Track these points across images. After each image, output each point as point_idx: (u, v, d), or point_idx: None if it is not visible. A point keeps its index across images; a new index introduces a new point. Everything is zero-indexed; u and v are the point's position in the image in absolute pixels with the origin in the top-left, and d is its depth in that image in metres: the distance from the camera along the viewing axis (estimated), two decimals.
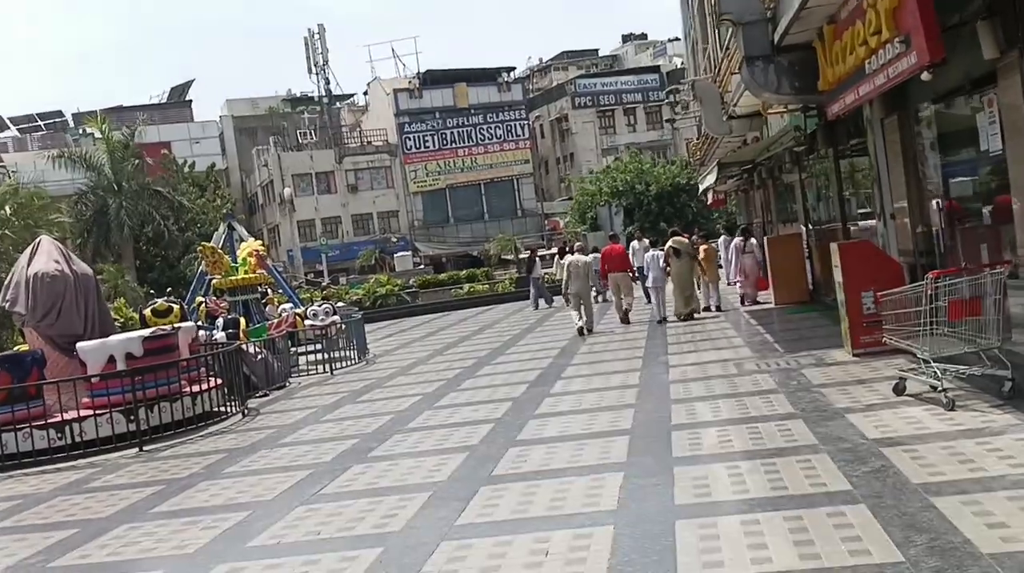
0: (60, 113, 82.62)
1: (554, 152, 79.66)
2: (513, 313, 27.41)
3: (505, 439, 8.78)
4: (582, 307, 17.66)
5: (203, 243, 19.61)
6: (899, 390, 8.30)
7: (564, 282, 17.69)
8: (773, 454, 6.89)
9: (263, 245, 20.28)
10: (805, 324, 14.77)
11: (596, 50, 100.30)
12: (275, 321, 18.36)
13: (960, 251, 9.57)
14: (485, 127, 71.28)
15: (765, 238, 19.32)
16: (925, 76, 7.20)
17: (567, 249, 31.16)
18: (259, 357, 15.28)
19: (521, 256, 50.19)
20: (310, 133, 62.82)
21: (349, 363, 17.72)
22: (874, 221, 12.66)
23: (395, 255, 55.38)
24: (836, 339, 12.19)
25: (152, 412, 11.48)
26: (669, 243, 18.14)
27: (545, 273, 28.69)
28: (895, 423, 7.32)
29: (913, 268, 10.83)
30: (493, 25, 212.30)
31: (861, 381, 9.31)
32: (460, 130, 70.80)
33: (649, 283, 18.81)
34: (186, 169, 55.76)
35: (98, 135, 47.33)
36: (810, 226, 18.15)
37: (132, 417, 11.20)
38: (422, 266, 57.09)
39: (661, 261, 18.09)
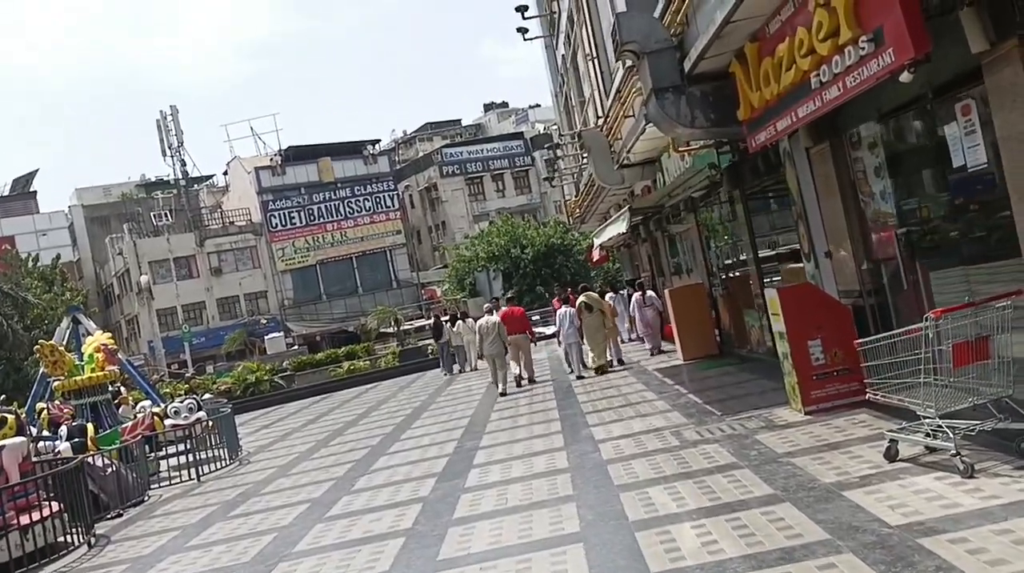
0: None
1: (425, 221, 78.44)
2: (400, 389, 25.44)
3: (425, 560, 6.96)
4: (496, 369, 17.94)
5: (41, 341, 16.98)
6: (892, 455, 6.97)
7: (479, 344, 18.10)
8: (783, 559, 5.36)
9: (111, 338, 17.77)
10: (727, 380, 13.53)
11: (459, 120, 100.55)
12: (129, 424, 15.89)
13: (923, 287, 8.45)
14: (353, 200, 69.60)
15: (666, 290, 18.21)
16: (905, 77, 6.01)
17: (447, 317, 29.84)
18: (109, 470, 12.88)
19: (405, 327, 48.30)
20: (166, 215, 59.40)
21: (219, 465, 15.42)
22: (799, 263, 11.58)
23: (266, 337, 52.43)
24: (774, 395, 10.97)
25: None
26: (581, 298, 18.32)
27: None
28: (912, 501, 5.93)
29: (861, 310, 9.70)
30: (354, 100, 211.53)
31: (833, 445, 7.95)
32: (327, 204, 68.84)
33: (562, 339, 18.63)
34: (30, 263, 51.47)
35: None
36: (714, 275, 17.14)
37: None
38: (296, 346, 54.34)
39: (573, 318, 17.98)
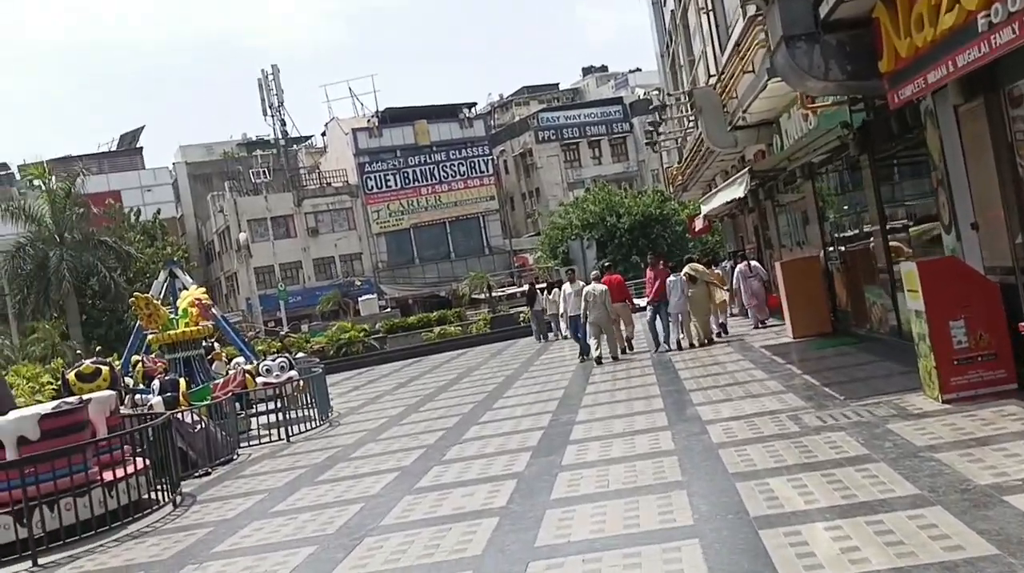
0: (5, 166, 79.20)
1: (519, 187, 77.77)
2: (491, 356, 25.00)
3: (521, 545, 6.35)
4: (602, 336, 17.63)
5: (136, 294, 17.00)
6: None
7: (582, 312, 17.49)
8: None
9: (206, 293, 17.70)
10: (846, 361, 12.53)
11: (557, 84, 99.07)
12: (221, 380, 15.77)
13: None
14: (448, 164, 69.32)
15: (777, 263, 17.15)
16: None
17: (542, 284, 29.46)
18: (198, 427, 12.70)
19: (497, 294, 47.96)
20: (264, 173, 60.10)
21: (309, 426, 15.16)
22: (938, 233, 10.48)
23: (360, 299, 52.78)
24: (903, 380, 10.03)
25: (52, 511, 8.89)
26: (685, 269, 18.01)
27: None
28: None
29: (1012, 289, 8.63)
30: (452, 62, 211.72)
31: (982, 441, 7.02)
32: (422, 168, 68.76)
33: (671, 309, 17.79)
34: (132, 217, 52.79)
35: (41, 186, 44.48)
36: (830, 248, 16.00)
37: (24, 520, 8.63)
38: (388, 309, 54.60)
39: (684, 286, 17.50)
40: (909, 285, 9.04)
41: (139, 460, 10.49)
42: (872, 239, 13.16)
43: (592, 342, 17.62)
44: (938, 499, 5.80)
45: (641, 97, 77.88)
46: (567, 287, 19.72)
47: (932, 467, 6.54)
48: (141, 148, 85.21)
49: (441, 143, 70.12)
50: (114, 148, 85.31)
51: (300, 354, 27.12)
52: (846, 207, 15.48)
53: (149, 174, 79.13)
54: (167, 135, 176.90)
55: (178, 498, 10.46)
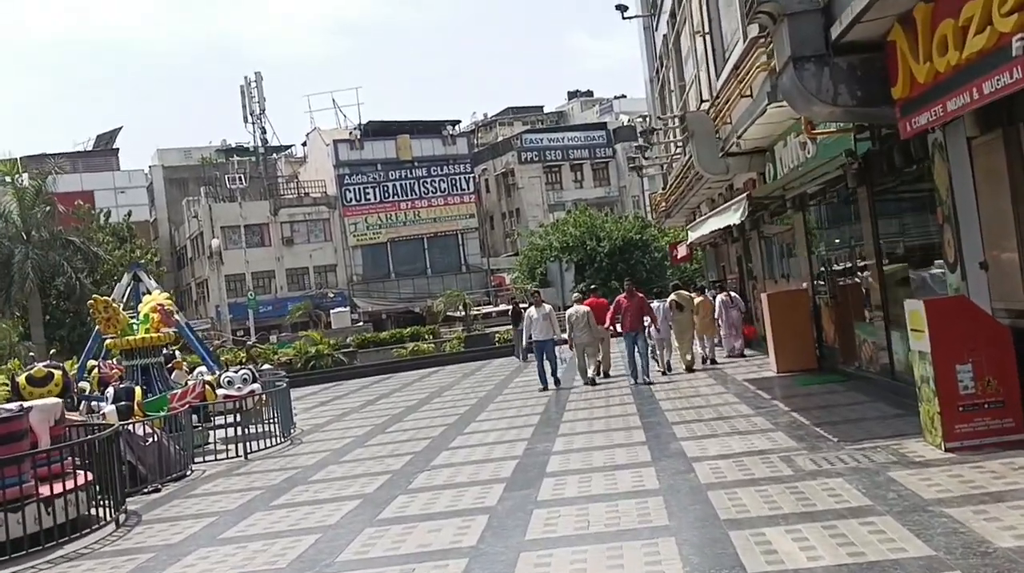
0: None
1: (500, 207, 77.36)
2: (464, 376, 24.33)
3: None
4: (586, 358, 17.70)
5: (95, 296, 16.20)
6: None
7: (568, 334, 17.43)
8: None
9: (169, 298, 16.95)
10: (835, 400, 12.01)
11: (542, 107, 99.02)
12: (179, 391, 15.00)
13: None
14: (429, 180, 68.77)
15: (763, 295, 16.67)
16: None
17: (525, 304, 28.89)
18: (150, 440, 11.94)
19: (473, 313, 47.26)
20: (240, 179, 59.11)
21: (270, 443, 14.41)
22: (938, 270, 10.02)
23: (332, 311, 51.91)
24: (899, 424, 9.54)
25: None
26: (671, 296, 18.31)
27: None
28: None
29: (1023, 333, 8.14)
30: (437, 80, 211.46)
31: (996, 496, 6.47)
32: (403, 183, 68.15)
33: (654, 336, 17.74)
34: (102, 218, 51.66)
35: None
36: (821, 280, 15.53)
37: None
38: (361, 323, 53.75)
39: (667, 314, 17.84)
40: (913, 324, 8.53)
41: (83, 473, 9.75)
42: (867, 274, 12.68)
43: (578, 366, 18.02)
44: (956, 563, 5.23)
45: (626, 123, 77.95)
46: (532, 311, 17.83)
47: (944, 524, 5.98)
48: (117, 149, 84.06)
49: (423, 159, 69.61)
50: (90, 148, 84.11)
51: (266, 366, 26.31)
52: (838, 240, 15.01)
53: (124, 176, 77.96)
54: (145, 139, 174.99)
55: (122, 517, 9.71)
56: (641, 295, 17.39)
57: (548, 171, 75.37)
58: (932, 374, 8.16)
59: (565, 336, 17.59)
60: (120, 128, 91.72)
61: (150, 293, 18.32)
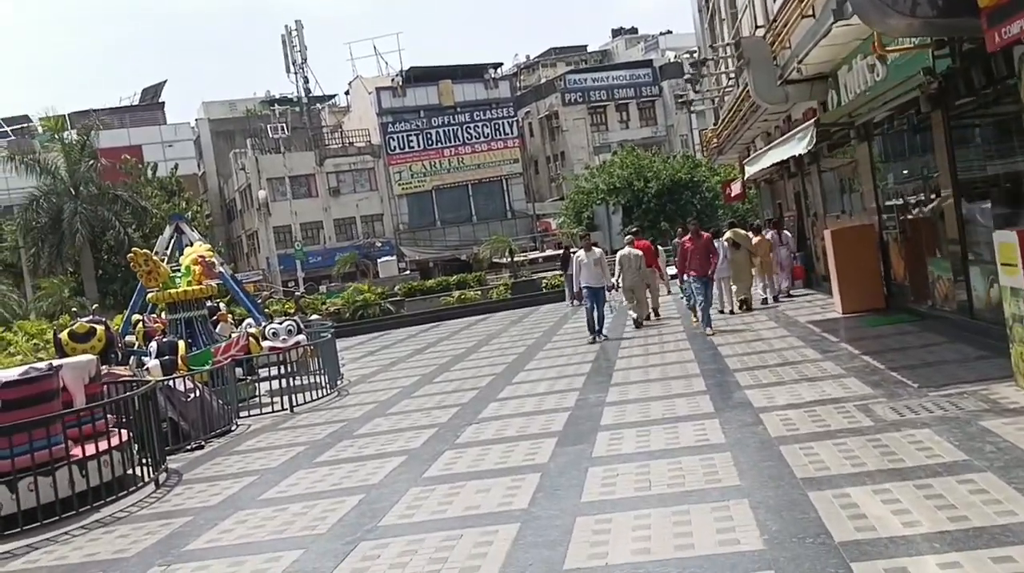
0: (27, 118, 78.21)
1: (544, 151, 76.24)
2: (512, 323, 23.83)
3: (545, 567, 5.17)
4: (635, 301, 17.53)
5: (135, 249, 15.87)
6: None
7: (617, 276, 16.96)
8: None
9: (211, 249, 16.56)
10: (910, 341, 11.22)
11: (585, 46, 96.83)
12: (223, 344, 14.69)
13: None
14: (472, 126, 67.82)
15: (827, 231, 15.79)
16: None
17: (576, 249, 28.41)
18: (192, 396, 11.60)
19: (519, 259, 46.75)
20: (282, 128, 58.78)
21: (316, 395, 14.06)
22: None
23: (379, 261, 51.67)
24: (984, 366, 8.81)
25: (12, 493, 7.83)
26: (727, 234, 18.05)
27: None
28: None
29: None
30: (478, 22, 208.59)
31: None
32: (446, 129, 67.32)
33: (716, 275, 17.02)
34: (149, 172, 51.72)
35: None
36: (889, 215, 14.61)
37: None
38: (408, 271, 53.53)
39: (727, 252, 17.39)
40: (1005, 258, 7.73)
41: (121, 433, 9.42)
42: (942, 206, 11.77)
43: (628, 307, 17.88)
44: None
45: (672, 60, 75.94)
46: (582, 255, 16.48)
47: None
48: (163, 103, 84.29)
49: (465, 104, 68.66)
50: (135, 103, 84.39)
51: (314, 316, 26.11)
52: (907, 171, 14.08)
53: (170, 129, 78.10)
54: (190, 93, 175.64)
55: (162, 476, 9.39)
56: (707, 235, 16.07)
57: (593, 112, 73.97)
58: None
59: (615, 281, 16.84)
60: (165, 82, 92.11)
61: (192, 245, 17.97)
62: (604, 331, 16.33)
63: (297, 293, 33.36)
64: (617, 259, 17.26)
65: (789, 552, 4.81)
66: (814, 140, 10.00)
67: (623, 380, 11.54)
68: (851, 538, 4.88)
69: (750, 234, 18.83)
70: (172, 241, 20.05)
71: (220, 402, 12.35)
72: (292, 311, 27.28)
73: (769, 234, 20.31)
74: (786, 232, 21.00)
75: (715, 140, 27.79)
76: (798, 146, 10.68)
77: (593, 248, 16.61)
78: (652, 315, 18.61)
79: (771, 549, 4.89)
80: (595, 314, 16.18)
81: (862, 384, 8.99)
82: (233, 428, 12.29)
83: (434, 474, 7.81)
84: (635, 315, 17.53)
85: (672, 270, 21.79)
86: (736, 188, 27.85)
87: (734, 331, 14.95)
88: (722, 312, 17.70)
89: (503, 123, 68.84)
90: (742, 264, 17.74)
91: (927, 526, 4.90)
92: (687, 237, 15.62)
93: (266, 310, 24.53)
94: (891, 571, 4.38)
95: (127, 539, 7.20)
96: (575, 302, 24.90)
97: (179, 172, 58.18)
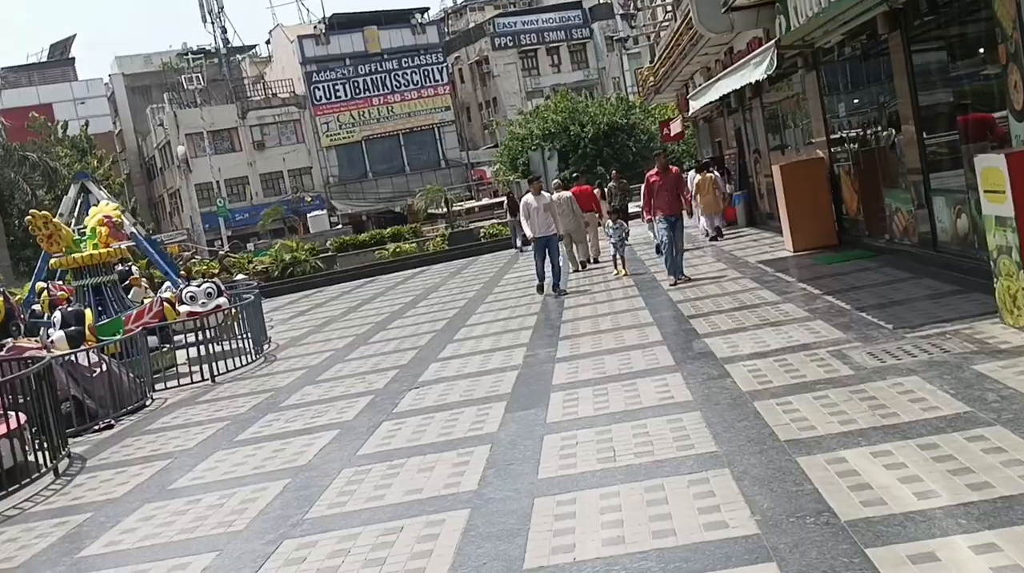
0: None
1: (476, 97, 74.62)
2: (451, 275, 22.91)
3: (503, 565, 4.35)
4: (574, 246, 17.29)
5: (32, 211, 14.49)
6: None
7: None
8: None
9: (118, 208, 15.24)
10: (871, 278, 10.62)
11: None
12: (134, 311, 13.50)
13: None
14: (400, 73, 66.00)
15: (776, 166, 15.12)
16: None
17: (515, 196, 27.81)
18: (97, 371, 10.49)
19: (456, 209, 45.71)
20: (197, 79, 56.33)
21: (241, 362, 13.01)
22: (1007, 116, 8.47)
23: (309, 215, 50.07)
24: (960, 303, 8.24)
25: None
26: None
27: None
28: None
29: None
30: None
31: None
32: (373, 77, 65.38)
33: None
34: (60, 131, 49.10)
35: None
36: (841, 148, 13.97)
37: None
38: (340, 226, 51.99)
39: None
40: (989, 184, 7.05)
41: (14, 416, 8.33)
42: (901, 135, 11.12)
43: (566, 255, 17.08)
44: None
45: (600, 1, 74.60)
46: (531, 199, 14.51)
47: None
48: (73, 59, 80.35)
49: (393, 51, 66.66)
50: (44, 60, 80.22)
51: (240, 276, 24.85)
52: (858, 100, 13.42)
53: (82, 86, 74.59)
54: (102, 47, 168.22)
55: (63, 464, 8.35)
56: (676, 170, 14.46)
57: (524, 56, 72.52)
58: (1016, 242, 6.74)
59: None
60: (74, 36, 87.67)
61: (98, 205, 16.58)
62: (561, 285, 14.58)
63: (221, 252, 31.85)
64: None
65: (789, 537, 4.06)
66: (775, 64, 9.20)
67: (572, 332, 10.75)
68: (859, 516, 4.15)
69: (694, 173, 18.54)
70: (79, 202, 18.58)
71: (132, 375, 11.25)
72: (216, 271, 25.94)
73: (714, 173, 19.94)
74: (716, 173, 20.62)
75: (652, 78, 26.94)
76: (755, 72, 9.90)
77: (543, 192, 15.00)
78: (591, 262, 18.34)
79: (767, 533, 4.13)
80: (545, 266, 14.60)
81: (831, 327, 8.32)
82: (147, 403, 11.23)
83: (370, 451, 6.93)
84: (579, 258, 17.43)
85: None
86: (676, 127, 27.12)
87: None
88: (659, 253, 17.04)
89: (432, 69, 67.18)
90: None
91: (946, 497, 4.19)
92: (653, 171, 13.94)
93: (188, 272, 23.20)
94: (917, 558, 3.65)
95: (14, 544, 6.22)
96: (524, 247, 23.57)
97: (94, 130, 55.46)
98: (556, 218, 14.55)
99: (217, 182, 58.52)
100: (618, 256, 15.67)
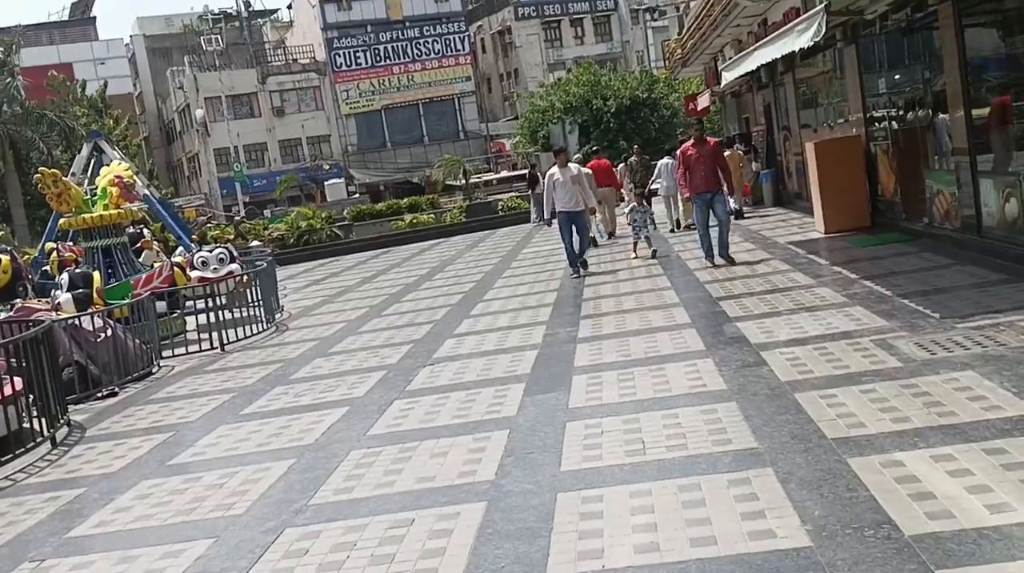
0: None
1: (497, 68, 73.73)
2: (468, 248, 22.48)
3: (519, 562, 3.94)
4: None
5: (42, 169, 14.12)
6: None
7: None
8: None
9: (130, 168, 14.85)
10: (913, 263, 10.09)
11: None
12: (143, 275, 13.13)
13: None
14: (421, 41, 65.14)
15: (810, 144, 14.54)
16: None
17: (537, 171, 27.42)
18: (103, 335, 10.13)
19: (474, 180, 45.23)
20: (216, 41, 55.71)
21: (252, 330, 12.64)
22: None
23: (326, 183, 49.62)
24: (1011, 291, 7.69)
25: None
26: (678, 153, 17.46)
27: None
28: None
29: None
30: None
31: None
32: (394, 45, 64.56)
33: (662, 192, 17.97)
34: (78, 91, 48.79)
35: None
36: (879, 125, 13.40)
37: None
38: (357, 195, 51.59)
39: (674, 168, 16.08)
40: None
41: (13, 381, 7.99)
42: (948, 113, 10.55)
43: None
44: None
45: None
46: (556, 172, 13.40)
47: None
48: (94, 18, 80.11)
49: (414, 18, 65.77)
50: (65, 19, 79.85)
51: (255, 242, 24.49)
52: (899, 77, 12.83)
53: (102, 46, 74.30)
54: (124, 7, 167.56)
55: (61, 432, 8.01)
56: (715, 142, 13.27)
57: (547, 27, 71.52)
58: None
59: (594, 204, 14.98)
60: None
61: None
62: (586, 260, 13.83)
63: (237, 218, 31.47)
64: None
65: (847, 552, 3.62)
66: (823, 30, 8.59)
67: (594, 311, 10.31)
68: (925, 530, 3.70)
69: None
70: (92, 161, 18.19)
71: (138, 341, 10.89)
72: (232, 237, 25.61)
73: (739, 149, 19.50)
74: (754, 147, 20.67)
75: (679, 51, 26.26)
76: (799, 39, 9.29)
77: (570, 164, 13.84)
78: (605, 236, 18.18)
79: (821, 546, 3.70)
80: (574, 244, 13.32)
81: (872, 314, 7.83)
82: (154, 370, 10.88)
83: (380, 432, 6.53)
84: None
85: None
86: (703, 101, 26.42)
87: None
88: (673, 231, 17.51)
89: (454, 38, 66.30)
90: None
91: (1023, 512, 3.74)
92: (689, 143, 12.80)
93: (203, 237, 22.86)
94: None
95: (3, 519, 5.87)
96: (543, 221, 22.60)
97: (114, 92, 55.08)
98: (585, 192, 13.40)
99: (236, 147, 58.14)
100: (638, 239, 14.47)
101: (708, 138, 12.89)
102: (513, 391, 7.05)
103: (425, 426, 6.46)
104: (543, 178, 21.80)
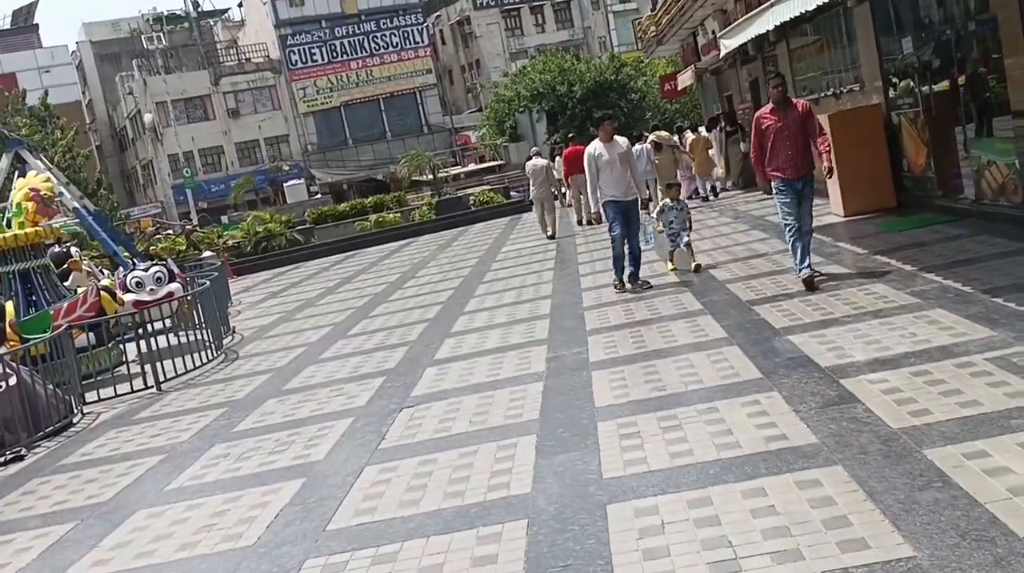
0: None
1: (458, 60, 71.87)
2: (440, 248, 20.74)
3: None
4: (544, 214, 17.46)
5: None
6: None
7: (528, 187, 17.18)
8: None
9: (48, 181, 12.90)
10: (974, 249, 8.50)
11: None
12: (65, 303, 11.22)
13: None
14: (379, 35, 63.18)
15: (826, 116, 12.92)
16: None
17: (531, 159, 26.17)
18: (3, 385, 8.26)
19: (442, 175, 43.43)
20: (158, 39, 53.43)
21: (197, 360, 10.81)
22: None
23: (286, 185, 47.55)
24: None
25: None
26: (651, 137, 17.88)
27: None
28: None
29: None
30: None
31: None
32: (351, 40, 62.55)
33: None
34: (19, 100, 46.23)
35: None
36: (903, 92, 11.81)
37: None
38: (319, 195, 49.56)
39: (649, 154, 16.91)
40: None
41: None
42: (1001, 70, 8.95)
43: (538, 220, 17.70)
44: None
45: None
46: (600, 149, 10.00)
47: None
48: (36, 25, 77.01)
49: (370, 12, 63.72)
50: (6, 27, 76.80)
51: (207, 253, 22.56)
52: (925, 34, 11.24)
53: (47, 54, 71.49)
54: (68, 13, 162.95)
55: None
56: (805, 104, 8.76)
57: (507, 16, 69.84)
58: None
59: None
60: (37, 1, 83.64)
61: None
62: (638, 274, 10.18)
63: (188, 226, 29.42)
64: (525, 169, 17.67)
65: None
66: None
67: (600, 323, 8.61)
68: None
69: (688, 136, 19.07)
70: (14, 174, 16.16)
71: (52, 387, 9.03)
72: (183, 248, 23.67)
73: (706, 132, 19.63)
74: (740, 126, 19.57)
75: (653, 28, 24.62)
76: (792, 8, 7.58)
77: (617, 138, 10.23)
78: (586, 223, 17.91)
79: None
80: (625, 246, 10.02)
81: (965, 320, 6.19)
82: (75, 420, 9.03)
83: (344, 524, 4.77)
84: (549, 230, 17.49)
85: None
86: (686, 79, 24.72)
87: (716, 246, 12.11)
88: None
89: (412, 31, 64.43)
90: (667, 167, 17.18)
91: None
92: (767, 108, 8.64)
93: (149, 250, 20.91)
94: None
95: None
96: (588, 220, 17.55)
97: (62, 100, 52.46)
98: (636, 174, 10.26)
99: (190, 152, 55.82)
100: (675, 246, 10.94)
101: (794, 99, 8.93)
102: (522, 450, 5.32)
103: (407, 514, 4.71)
104: (550, 163, 19.49)
